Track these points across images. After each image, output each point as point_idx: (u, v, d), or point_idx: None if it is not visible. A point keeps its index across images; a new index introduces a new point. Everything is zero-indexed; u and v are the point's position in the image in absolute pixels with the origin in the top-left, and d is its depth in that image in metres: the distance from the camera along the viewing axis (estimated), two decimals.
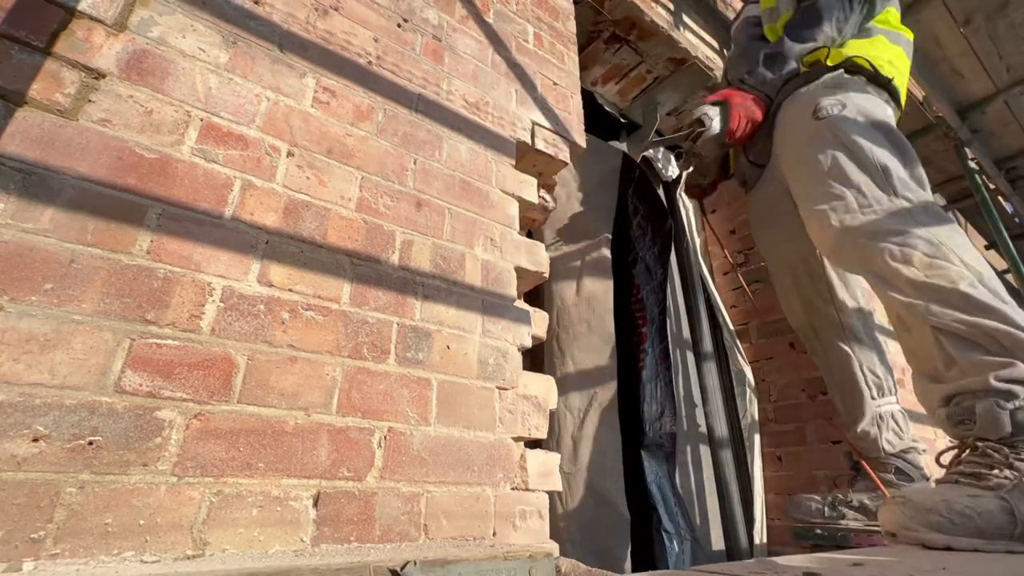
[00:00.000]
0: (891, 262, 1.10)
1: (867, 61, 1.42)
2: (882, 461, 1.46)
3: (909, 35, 1.60)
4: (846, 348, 1.54)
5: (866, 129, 1.28)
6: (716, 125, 1.48)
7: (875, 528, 1.43)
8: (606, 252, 1.73)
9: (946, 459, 0.99)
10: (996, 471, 0.86)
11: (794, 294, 1.70)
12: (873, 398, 1.49)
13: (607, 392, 1.50)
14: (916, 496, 0.89)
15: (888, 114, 1.38)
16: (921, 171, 1.25)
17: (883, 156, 1.23)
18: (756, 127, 1.51)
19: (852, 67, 1.42)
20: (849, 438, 1.54)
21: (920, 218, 1.13)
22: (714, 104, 1.52)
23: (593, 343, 1.56)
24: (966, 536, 0.81)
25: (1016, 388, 0.91)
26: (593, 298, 1.65)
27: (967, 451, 0.94)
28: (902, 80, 1.49)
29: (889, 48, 1.50)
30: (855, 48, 1.48)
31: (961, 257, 1.06)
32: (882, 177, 1.20)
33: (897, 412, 1.49)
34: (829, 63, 1.44)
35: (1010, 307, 0.99)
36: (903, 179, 1.20)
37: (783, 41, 1.53)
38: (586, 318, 1.62)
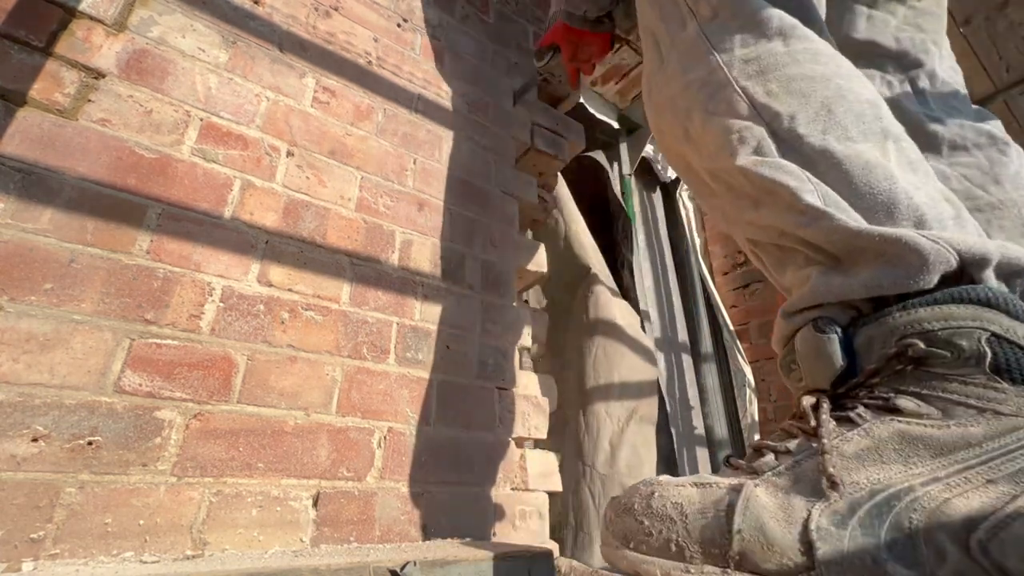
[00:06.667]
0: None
1: None
2: None
3: None
4: None
5: None
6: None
7: None
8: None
9: None
10: (783, 443, 0.44)
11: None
12: None
13: (649, 406, 1.47)
14: (629, 489, 0.46)
15: None
16: None
17: None
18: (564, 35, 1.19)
19: None
20: None
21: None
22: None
23: (636, 356, 1.53)
24: (655, 556, 0.41)
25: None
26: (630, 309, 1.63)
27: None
28: None
29: None
30: None
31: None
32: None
33: None
34: None
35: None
36: None
37: None
38: (633, 331, 1.57)
